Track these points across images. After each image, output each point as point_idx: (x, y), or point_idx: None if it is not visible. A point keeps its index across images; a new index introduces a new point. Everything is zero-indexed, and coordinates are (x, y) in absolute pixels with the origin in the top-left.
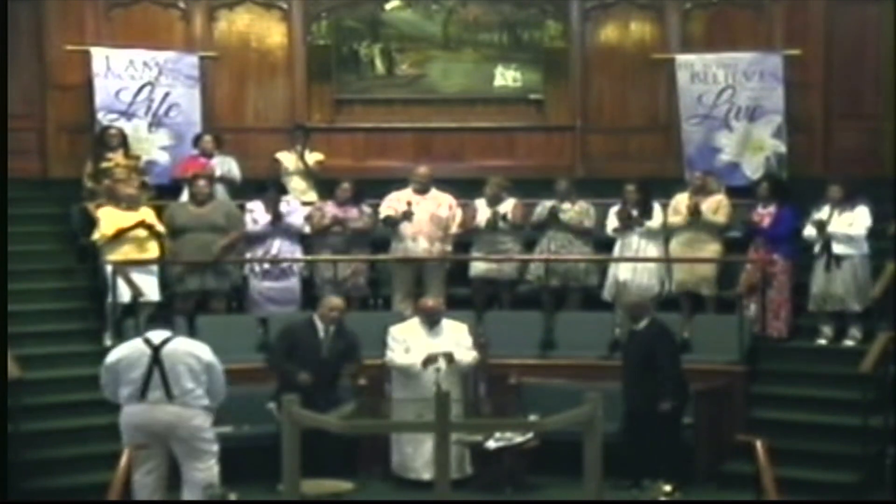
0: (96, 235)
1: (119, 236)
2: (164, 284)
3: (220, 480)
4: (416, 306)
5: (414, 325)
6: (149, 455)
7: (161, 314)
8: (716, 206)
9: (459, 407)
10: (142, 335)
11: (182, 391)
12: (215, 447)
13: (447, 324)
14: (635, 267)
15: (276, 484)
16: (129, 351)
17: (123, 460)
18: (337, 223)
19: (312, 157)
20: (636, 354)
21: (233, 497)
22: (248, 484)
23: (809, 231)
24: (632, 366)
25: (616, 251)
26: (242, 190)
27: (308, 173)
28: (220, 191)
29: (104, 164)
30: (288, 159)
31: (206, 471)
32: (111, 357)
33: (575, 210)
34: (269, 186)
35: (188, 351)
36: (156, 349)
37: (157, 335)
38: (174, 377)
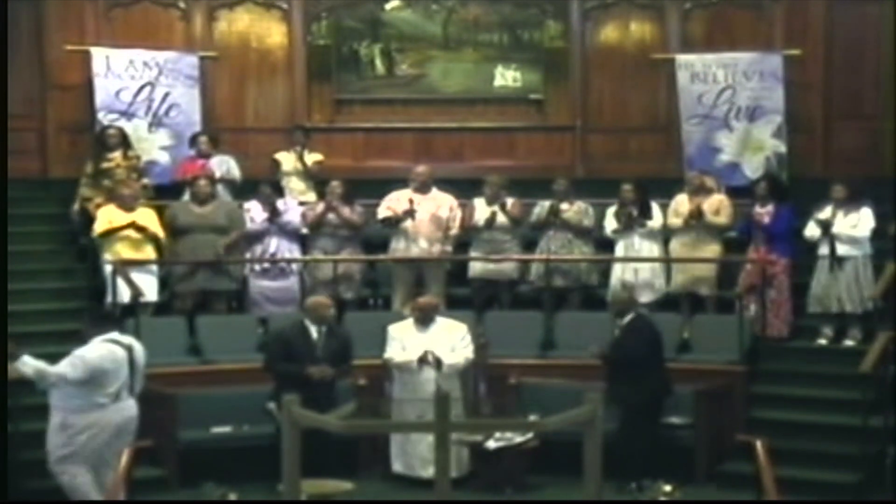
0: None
1: (108, 235)
2: (164, 284)
3: (219, 481)
4: (412, 305)
5: (409, 323)
6: (101, 457)
7: (108, 313)
8: (717, 207)
9: (459, 406)
10: (104, 338)
11: (139, 389)
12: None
13: (442, 322)
14: (636, 268)
15: (276, 484)
16: (110, 353)
17: (123, 460)
18: (329, 213)
19: (311, 158)
20: (617, 350)
21: (233, 497)
22: (248, 484)
23: (812, 231)
24: (613, 362)
25: (619, 251)
26: (241, 190)
27: (306, 174)
28: (221, 191)
29: (105, 165)
30: (287, 160)
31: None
32: (92, 355)
33: (573, 210)
34: (262, 185)
35: (142, 349)
36: (129, 349)
37: (121, 336)
38: (138, 377)
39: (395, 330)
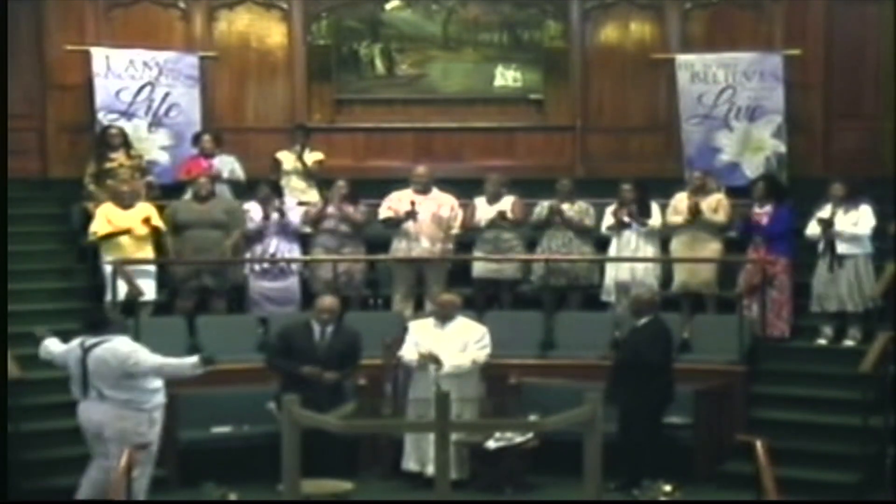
0: (90, 231)
1: (109, 238)
2: (164, 283)
3: (219, 481)
4: (433, 302)
5: (430, 321)
6: (99, 453)
7: (100, 318)
8: (715, 205)
9: (474, 408)
10: (80, 338)
11: (109, 394)
12: (148, 454)
13: (461, 322)
14: (633, 267)
15: (276, 484)
16: (69, 351)
17: (124, 460)
18: (332, 217)
19: (312, 157)
20: (629, 351)
21: (233, 497)
22: (248, 484)
23: (813, 230)
24: (622, 362)
25: (612, 250)
26: (241, 190)
27: (307, 173)
28: (224, 190)
29: (108, 165)
30: (287, 159)
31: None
32: (61, 349)
33: (575, 209)
34: (260, 185)
35: (108, 355)
36: (85, 351)
37: (91, 338)
38: (97, 380)
39: (413, 327)
